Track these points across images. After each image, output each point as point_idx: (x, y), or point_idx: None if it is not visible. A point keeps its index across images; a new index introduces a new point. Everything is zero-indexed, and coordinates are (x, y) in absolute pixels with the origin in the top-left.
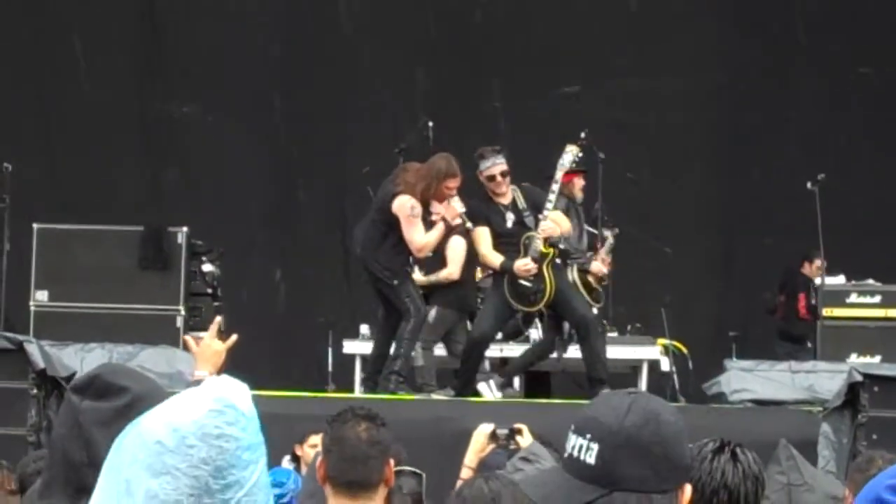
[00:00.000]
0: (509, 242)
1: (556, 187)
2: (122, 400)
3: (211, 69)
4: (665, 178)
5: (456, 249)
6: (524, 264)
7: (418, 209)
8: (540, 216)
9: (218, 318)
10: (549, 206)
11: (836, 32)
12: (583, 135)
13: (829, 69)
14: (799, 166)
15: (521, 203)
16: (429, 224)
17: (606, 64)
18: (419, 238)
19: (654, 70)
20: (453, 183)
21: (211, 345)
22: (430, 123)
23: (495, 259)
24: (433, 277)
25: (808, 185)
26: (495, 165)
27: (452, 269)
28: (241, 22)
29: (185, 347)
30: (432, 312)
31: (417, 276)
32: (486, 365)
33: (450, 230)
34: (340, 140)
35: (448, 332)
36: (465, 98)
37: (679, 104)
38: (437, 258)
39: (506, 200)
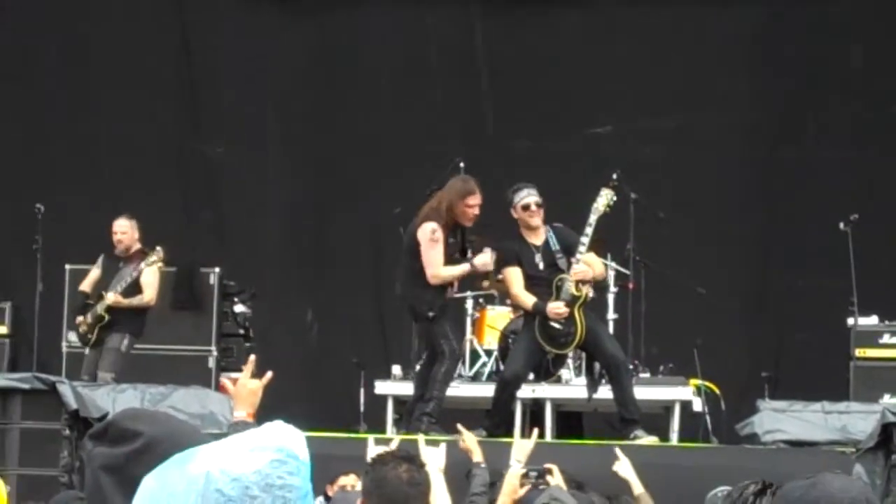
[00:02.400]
0: (540, 283)
1: (589, 230)
2: (133, 444)
3: (243, 110)
4: (697, 218)
5: (152, 276)
6: (556, 307)
7: (439, 234)
8: (572, 259)
9: (252, 358)
10: (581, 248)
11: (874, 69)
12: (615, 175)
13: (864, 107)
14: (832, 205)
15: (554, 244)
16: (461, 251)
17: (637, 102)
18: (436, 263)
19: (686, 108)
20: (473, 200)
21: (247, 384)
22: (462, 164)
23: (528, 300)
24: (127, 301)
25: (842, 225)
26: (530, 196)
27: (150, 295)
28: (273, 64)
29: (222, 390)
30: (125, 342)
31: (111, 296)
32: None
33: (476, 275)
34: (372, 180)
35: None
36: (495, 138)
37: (712, 142)
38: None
39: (538, 241)
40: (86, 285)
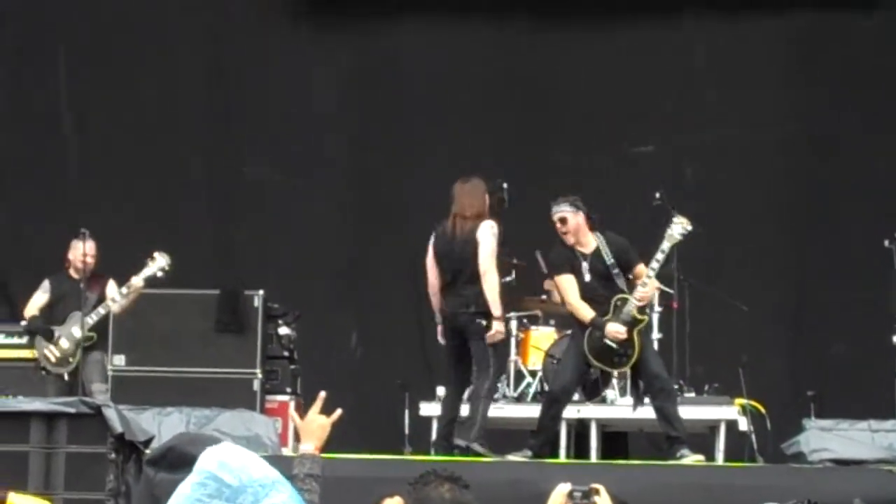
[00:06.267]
0: (587, 294)
1: (661, 257)
2: None
3: (281, 130)
4: (741, 235)
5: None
6: (617, 330)
7: (496, 230)
8: (639, 282)
9: (322, 394)
10: (651, 273)
11: None
12: (658, 195)
13: None
14: (875, 220)
15: (608, 256)
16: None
17: (676, 119)
18: (492, 260)
19: (725, 124)
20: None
21: (316, 419)
22: (505, 185)
23: (586, 312)
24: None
25: (886, 243)
26: (554, 213)
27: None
28: (313, 82)
29: (273, 413)
30: (104, 355)
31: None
32: None
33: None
34: (413, 198)
35: None
36: (533, 157)
37: (751, 157)
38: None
39: (587, 249)
40: (33, 310)
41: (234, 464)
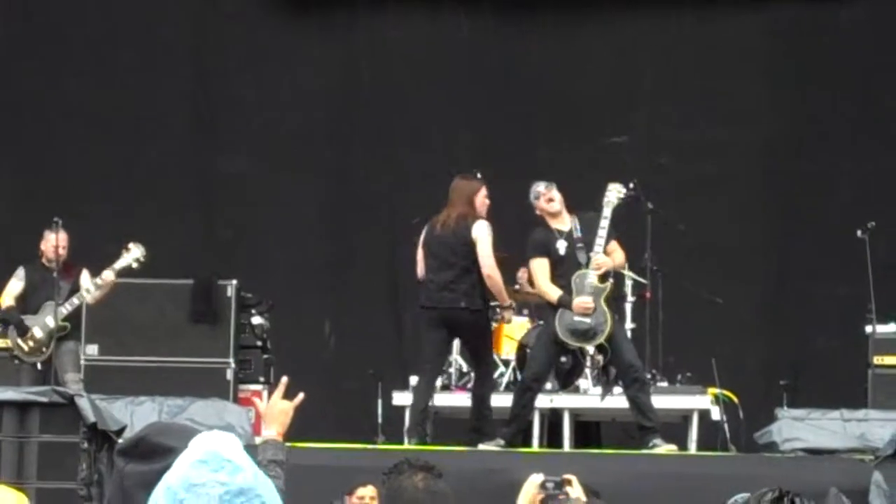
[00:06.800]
0: (563, 271)
1: (605, 222)
2: (168, 461)
3: (259, 123)
4: (715, 228)
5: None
6: (584, 301)
7: (490, 228)
8: (591, 253)
9: (284, 379)
10: (600, 241)
11: (889, 80)
12: (631, 185)
13: (880, 117)
14: (849, 214)
15: (577, 232)
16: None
17: (654, 112)
18: (493, 259)
19: (703, 119)
20: (485, 191)
21: (278, 404)
22: (479, 175)
23: (553, 293)
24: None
25: (859, 233)
26: (543, 190)
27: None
28: (291, 77)
29: (244, 403)
30: (78, 344)
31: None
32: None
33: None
34: (388, 191)
35: None
36: (511, 148)
37: (728, 153)
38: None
39: (564, 227)
40: (9, 299)
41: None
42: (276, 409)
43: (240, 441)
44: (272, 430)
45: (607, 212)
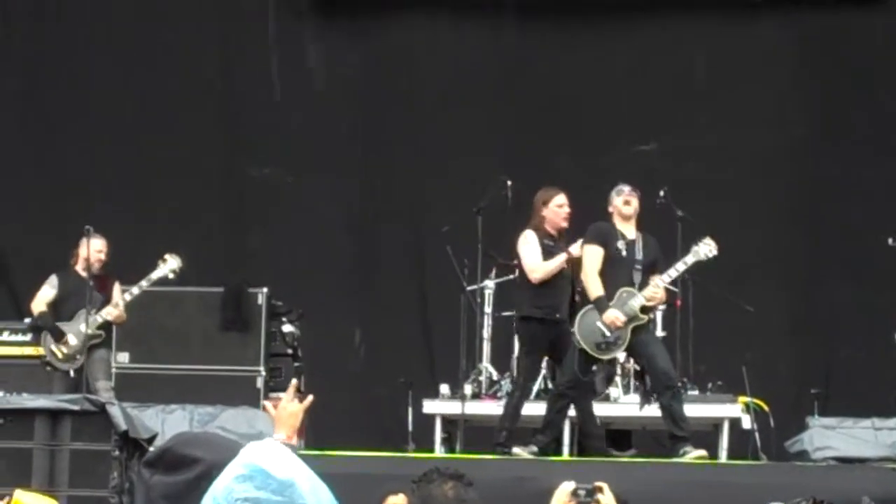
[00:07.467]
0: (617, 269)
1: (681, 267)
2: (193, 472)
3: (289, 130)
4: (745, 235)
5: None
6: (616, 317)
7: (531, 236)
8: (654, 277)
9: (294, 382)
10: (666, 278)
11: None
12: (661, 193)
13: None
14: (881, 221)
15: (639, 251)
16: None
17: (682, 120)
18: (530, 259)
19: (731, 125)
20: (559, 200)
21: (287, 407)
22: (509, 182)
23: (596, 289)
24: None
25: (890, 241)
26: (628, 193)
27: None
28: (317, 83)
29: (263, 411)
30: (110, 352)
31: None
32: None
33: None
34: (418, 199)
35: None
36: (540, 156)
37: (758, 159)
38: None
39: (630, 234)
40: (42, 306)
41: (280, 458)
42: (286, 413)
43: (289, 451)
44: (281, 434)
45: (690, 259)
